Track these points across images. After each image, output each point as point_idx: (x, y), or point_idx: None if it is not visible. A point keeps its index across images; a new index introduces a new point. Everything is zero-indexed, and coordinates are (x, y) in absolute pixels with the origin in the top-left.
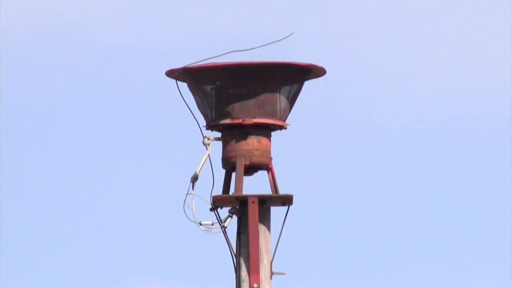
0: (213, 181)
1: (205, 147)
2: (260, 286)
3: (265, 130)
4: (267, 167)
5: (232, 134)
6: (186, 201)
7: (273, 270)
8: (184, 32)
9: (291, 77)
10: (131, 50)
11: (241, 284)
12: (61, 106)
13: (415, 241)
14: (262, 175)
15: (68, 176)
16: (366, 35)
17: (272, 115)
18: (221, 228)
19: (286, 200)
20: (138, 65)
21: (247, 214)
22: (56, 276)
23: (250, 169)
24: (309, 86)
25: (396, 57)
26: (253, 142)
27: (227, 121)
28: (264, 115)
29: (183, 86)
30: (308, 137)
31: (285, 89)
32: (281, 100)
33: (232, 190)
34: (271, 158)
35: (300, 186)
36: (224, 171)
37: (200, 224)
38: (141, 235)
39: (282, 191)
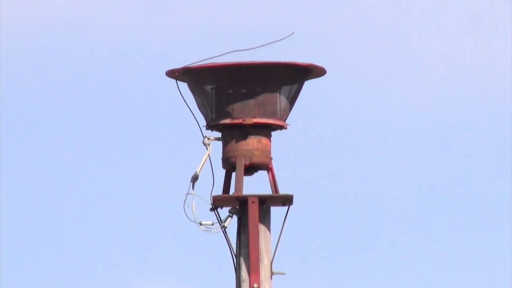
0: (213, 181)
1: (205, 147)
2: (260, 286)
3: (265, 130)
4: (267, 167)
5: (232, 134)
6: (186, 201)
7: (273, 270)
8: (184, 32)
9: (291, 77)
10: (131, 50)
11: (241, 284)
12: (61, 106)
13: (415, 241)
14: (262, 175)
15: (69, 176)
16: (366, 35)
17: (272, 115)
18: (221, 228)
19: (286, 200)
20: (138, 65)
21: (247, 214)
22: (58, 276)
23: (250, 169)
24: (309, 86)
25: (396, 57)
26: (253, 142)
27: (227, 121)
28: (264, 115)
29: (183, 86)
30: (308, 137)
31: (285, 89)
32: (281, 100)
33: (232, 190)
34: (271, 158)
35: (300, 186)
36: (224, 171)
37: (200, 224)
38: (141, 235)
39: (282, 191)
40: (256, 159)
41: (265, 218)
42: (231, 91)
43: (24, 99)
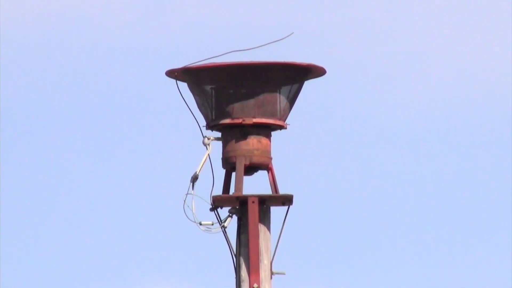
0: (213, 181)
1: (205, 147)
2: (260, 286)
3: (265, 130)
4: (267, 167)
5: (232, 134)
6: (186, 201)
7: (273, 270)
8: (184, 32)
9: (291, 77)
10: (131, 50)
11: (241, 284)
12: (61, 106)
13: (415, 241)
14: (262, 175)
15: (69, 176)
16: (366, 35)
17: (272, 115)
18: (221, 228)
19: (286, 200)
20: (138, 65)
21: (247, 214)
22: (58, 275)
23: (250, 169)
24: (309, 86)
25: (396, 57)
26: (253, 142)
27: (227, 121)
28: (264, 115)
29: (183, 86)
30: (308, 137)
31: (285, 89)
32: (281, 100)
33: (232, 190)
34: (271, 158)
35: (300, 186)
36: (224, 171)
37: (200, 224)
38: (141, 235)
39: (282, 191)
40: (256, 159)
41: (265, 218)
42: (231, 91)
43: (24, 99)
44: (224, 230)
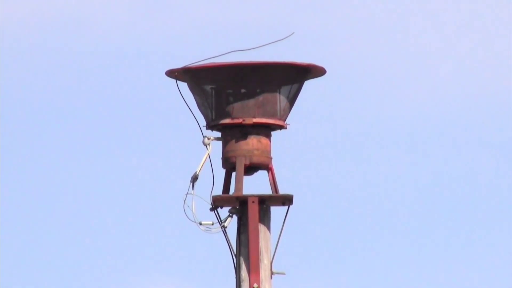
0: (213, 181)
1: (205, 147)
2: (260, 286)
3: (265, 130)
4: (267, 167)
5: (232, 134)
6: (186, 201)
7: (273, 270)
8: (184, 32)
9: (291, 77)
10: (131, 50)
11: (241, 284)
12: (61, 106)
13: (415, 241)
14: (262, 175)
15: (69, 176)
16: (366, 35)
17: (272, 115)
18: (221, 228)
19: (286, 200)
20: (138, 65)
21: (247, 214)
22: (58, 276)
23: (250, 169)
24: (309, 86)
25: (396, 57)
26: (253, 142)
27: (227, 121)
28: (264, 115)
29: (183, 86)
30: (308, 137)
31: (285, 89)
32: (281, 100)
33: (232, 190)
34: (271, 158)
35: (300, 186)
36: (224, 171)
37: (200, 224)
38: (141, 235)
39: (282, 191)
40: (256, 159)
41: (265, 218)
42: (231, 91)
43: (24, 99)
44: (224, 230)
